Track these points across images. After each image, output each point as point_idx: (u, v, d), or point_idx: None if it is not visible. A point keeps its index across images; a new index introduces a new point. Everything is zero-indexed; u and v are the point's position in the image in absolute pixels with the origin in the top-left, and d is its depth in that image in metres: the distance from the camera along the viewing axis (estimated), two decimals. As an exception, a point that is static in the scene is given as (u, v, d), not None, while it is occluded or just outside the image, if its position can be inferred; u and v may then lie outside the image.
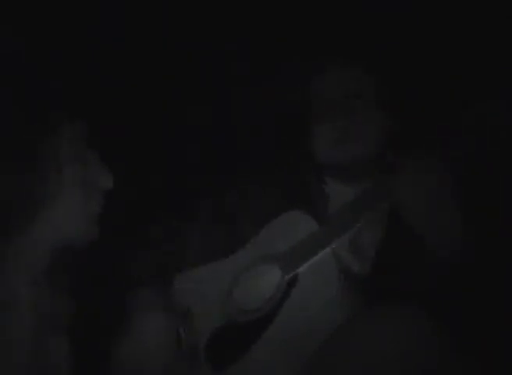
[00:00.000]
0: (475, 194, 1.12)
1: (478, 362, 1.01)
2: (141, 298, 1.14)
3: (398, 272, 1.13)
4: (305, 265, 1.09)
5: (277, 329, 1.08)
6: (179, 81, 1.40)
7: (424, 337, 1.00)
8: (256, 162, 1.36)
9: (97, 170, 1.01)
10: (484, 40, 1.28)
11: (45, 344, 0.98)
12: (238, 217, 1.23)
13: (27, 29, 1.23)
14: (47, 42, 1.24)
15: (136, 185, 1.33)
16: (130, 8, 1.35)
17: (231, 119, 1.41)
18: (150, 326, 1.13)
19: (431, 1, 1.31)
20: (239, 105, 1.41)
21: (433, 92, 1.32)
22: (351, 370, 1.00)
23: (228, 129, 1.42)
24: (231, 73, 1.40)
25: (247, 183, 1.26)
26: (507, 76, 1.11)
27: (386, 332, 1.00)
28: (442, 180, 1.06)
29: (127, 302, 1.14)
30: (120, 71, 1.36)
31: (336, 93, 1.19)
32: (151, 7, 1.36)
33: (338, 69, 1.21)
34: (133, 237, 1.22)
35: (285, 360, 1.07)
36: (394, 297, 1.09)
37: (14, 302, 0.95)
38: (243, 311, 1.10)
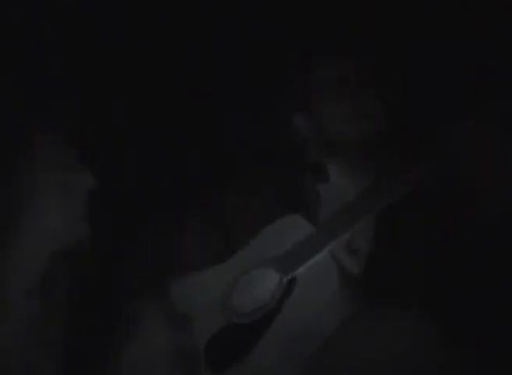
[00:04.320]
0: None
1: (477, 361, 1.01)
2: (140, 303, 1.14)
3: (398, 272, 1.13)
4: (303, 267, 1.09)
5: (276, 331, 1.08)
6: (177, 82, 1.39)
7: (424, 337, 1.00)
8: (252, 164, 1.36)
9: (78, 171, 1.00)
10: (484, 39, 1.28)
11: (36, 358, 0.98)
12: (235, 220, 1.22)
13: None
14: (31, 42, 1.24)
15: (133, 187, 1.33)
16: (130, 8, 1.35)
17: (228, 119, 1.41)
18: (149, 330, 1.13)
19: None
20: (235, 105, 1.40)
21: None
22: (351, 371, 1.00)
23: (226, 129, 1.42)
24: (228, 72, 1.40)
25: (243, 186, 1.26)
26: (507, 77, 1.11)
27: (386, 332, 1.00)
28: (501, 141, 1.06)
29: (125, 308, 1.14)
30: (119, 71, 1.36)
31: (342, 71, 1.20)
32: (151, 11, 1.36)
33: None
34: (129, 240, 1.22)
35: (285, 362, 1.07)
36: (394, 297, 1.09)
37: (6, 311, 0.95)
38: (241, 314, 1.10)
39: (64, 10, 1.28)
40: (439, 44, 1.30)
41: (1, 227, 0.94)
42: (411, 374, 0.98)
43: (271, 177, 1.26)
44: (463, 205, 1.11)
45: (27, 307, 0.96)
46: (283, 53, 1.33)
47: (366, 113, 1.18)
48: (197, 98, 1.38)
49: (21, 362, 0.95)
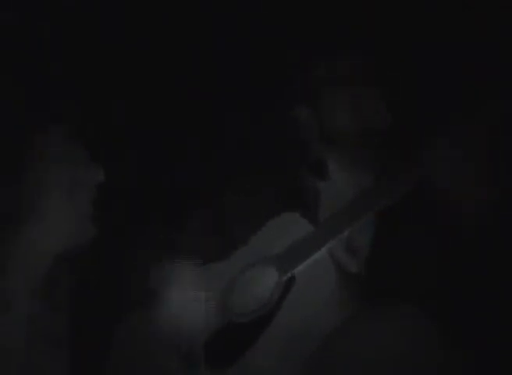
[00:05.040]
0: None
1: (477, 361, 1.01)
2: (140, 303, 1.14)
3: (398, 272, 1.13)
4: (302, 266, 1.09)
5: (275, 330, 1.08)
6: (177, 82, 1.39)
7: (424, 337, 0.99)
8: (252, 164, 1.36)
9: (86, 169, 1.00)
10: (484, 39, 1.28)
11: (41, 356, 0.98)
12: (234, 219, 1.22)
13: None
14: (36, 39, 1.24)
15: (133, 185, 1.33)
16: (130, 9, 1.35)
17: (228, 119, 1.41)
18: (149, 330, 1.13)
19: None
20: (235, 105, 1.40)
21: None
22: (350, 370, 1.00)
23: (226, 129, 1.41)
24: (228, 72, 1.40)
25: (242, 184, 1.26)
26: (507, 77, 1.11)
27: (386, 332, 1.00)
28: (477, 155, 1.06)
29: (126, 307, 1.14)
30: (119, 70, 1.36)
31: (345, 67, 1.20)
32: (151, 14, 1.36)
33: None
34: (129, 240, 1.22)
35: (284, 361, 1.07)
36: (394, 297, 1.09)
37: (10, 310, 0.95)
38: (240, 312, 1.09)
39: (64, 10, 1.28)
40: (439, 44, 1.30)
41: (3, 227, 0.94)
42: (411, 374, 0.98)
43: (271, 177, 1.26)
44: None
45: (29, 307, 0.96)
46: (283, 53, 1.33)
47: (367, 111, 1.18)
48: (197, 98, 1.38)
49: (22, 363, 0.95)
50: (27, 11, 1.24)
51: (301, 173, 1.25)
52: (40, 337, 0.97)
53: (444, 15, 1.30)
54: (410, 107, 1.27)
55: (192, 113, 1.38)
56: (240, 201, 1.24)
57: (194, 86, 1.39)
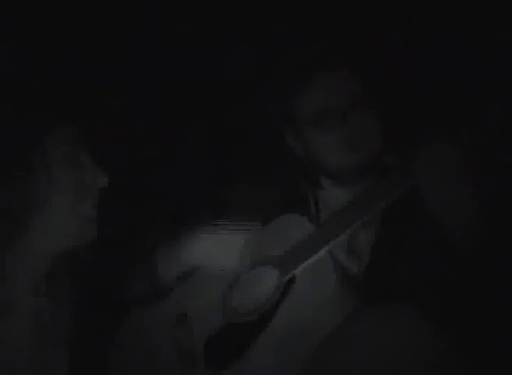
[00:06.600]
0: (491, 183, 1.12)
1: (476, 361, 1.01)
2: (141, 302, 1.14)
3: (398, 272, 1.13)
4: (302, 266, 1.09)
5: (276, 330, 1.08)
6: (178, 81, 1.40)
7: (423, 336, 1.00)
8: (254, 164, 1.36)
9: (91, 171, 1.00)
10: (484, 40, 1.28)
11: (44, 354, 0.98)
12: (235, 220, 1.22)
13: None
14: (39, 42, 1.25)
15: (135, 186, 1.33)
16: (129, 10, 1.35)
17: (228, 118, 1.42)
18: (150, 330, 1.13)
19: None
20: (237, 106, 1.41)
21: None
22: (350, 370, 1.00)
23: (225, 129, 1.42)
24: (229, 72, 1.41)
25: (244, 186, 1.26)
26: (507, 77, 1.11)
27: (386, 332, 1.00)
28: (461, 165, 1.05)
29: (127, 307, 1.14)
30: (121, 74, 1.36)
31: (329, 100, 1.18)
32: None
33: (325, 75, 1.19)
34: (132, 238, 1.22)
35: (284, 361, 1.07)
36: (394, 297, 1.09)
37: (14, 308, 0.95)
38: (241, 313, 1.10)
39: (64, 10, 1.29)
40: (438, 44, 1.30)
41: (6, 227, 0.94)
42: (411, 374, 0.98)
43: (271, 177, 1.26)
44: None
45: (31, 307, 0.97)
46: (283, 53, 1.33)
47: (354, 145, 1.16)
48: (197, 97, 1.39)
49: (24, 362, 0.95)
50: (27, 11, 1.25)
51: (300, 178, 1.25)
52: (42, 336, 0.97)
53: (444, 15, 1.30)
54: (409, 107, 1.28)
55: (192, 113, 1.39)
56: (241, 200, 1.24)
57: (195, 85, 1.40)
